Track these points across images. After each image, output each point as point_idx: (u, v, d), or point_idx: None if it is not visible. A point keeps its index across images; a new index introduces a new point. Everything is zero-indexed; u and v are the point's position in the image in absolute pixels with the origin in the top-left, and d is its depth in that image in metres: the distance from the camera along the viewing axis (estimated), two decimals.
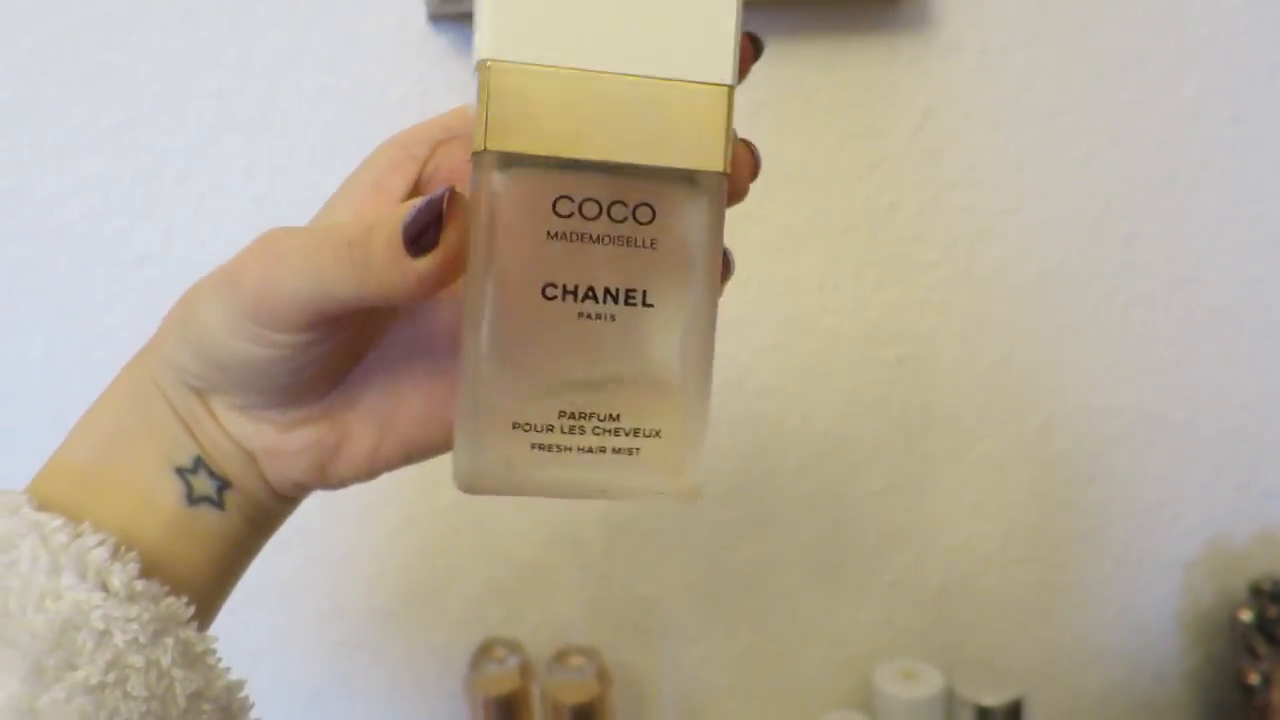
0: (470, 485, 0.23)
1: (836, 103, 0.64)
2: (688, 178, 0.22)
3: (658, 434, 0.23)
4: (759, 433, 0.67)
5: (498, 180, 0.22)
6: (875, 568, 0.71)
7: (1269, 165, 0.72)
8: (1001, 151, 0.67)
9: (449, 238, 0.22)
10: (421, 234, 0.22)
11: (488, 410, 0.23)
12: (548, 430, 0.23)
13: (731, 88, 0.22)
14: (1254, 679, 0.69)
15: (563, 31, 0.21)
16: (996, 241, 0.68)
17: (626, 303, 0.22)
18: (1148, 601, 0.77)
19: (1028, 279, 0.69)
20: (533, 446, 0.23)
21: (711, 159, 0.22)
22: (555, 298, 0.22)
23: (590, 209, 0.22)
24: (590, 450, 0.23)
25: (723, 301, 0.67)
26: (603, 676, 0.59)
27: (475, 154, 0.22)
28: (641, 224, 0.22)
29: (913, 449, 0.70)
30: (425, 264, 0.22)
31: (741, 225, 0.64)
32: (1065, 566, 0.74)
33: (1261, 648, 0.70)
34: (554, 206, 0.22)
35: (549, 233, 0.22)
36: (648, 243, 0.22)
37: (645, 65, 0.21)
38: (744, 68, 0.23)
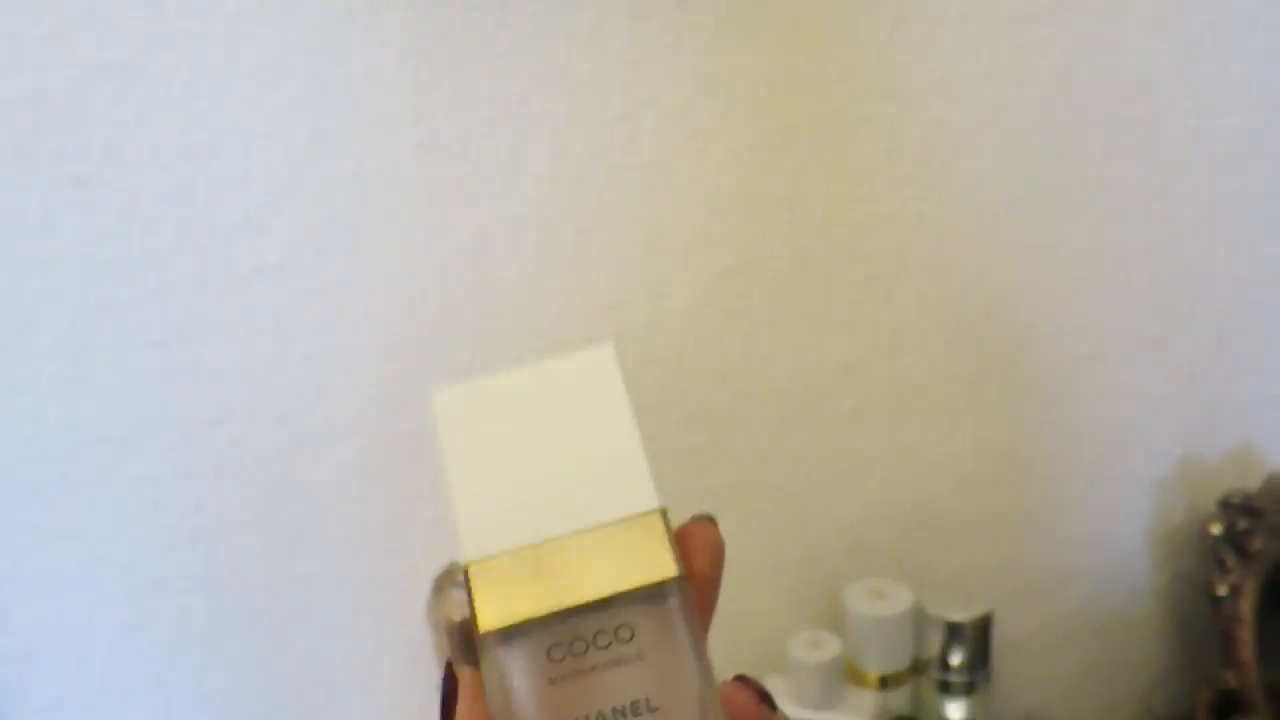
0: None
1: (803, 13, 0.62)
2: (653, 592, 0.26)
3: None
4: (728, 354, 0.65)
5: (501, 653, 0.25)
6: (847, 489, 0.71)
7: (1244, 75, 0.70)
8: (973, 63, 0.65)
9: (465, 704, 0.25)
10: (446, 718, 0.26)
11: None
12: None
13: (662, 510, 0.27)
14: (1222, 591, 0.69)
15: (518, 518, 0.26)
16: (968, 156, 0.67)
17: (634, 715, 0.25)
18: (1119, 519, 0.77)
19: (1000, 194, 0.68)
20: None
21: (664, 569, 0.26)
22: None
23: (579, 647, 0.25)
24: None
25: (688, 217, 0.65)
26: None
27: (479, 638, 0.25)
28: (626, 643, 0.25)
29: (883, 370, 0.69)
30: None
31: (705, 140, 0.63)
32: (1037, 486, 0.74)
33: (1230, 560, 0.70)
34: (549, 655, 0.25)
35: (550, 679, 0.25)
36: (637, 656, 0.25)
37: (587, 520, 0.26)
38: (710, 555, 0.27)
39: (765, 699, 0.27)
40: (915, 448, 0.71)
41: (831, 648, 0.64)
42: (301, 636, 0.63)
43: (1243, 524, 0.71)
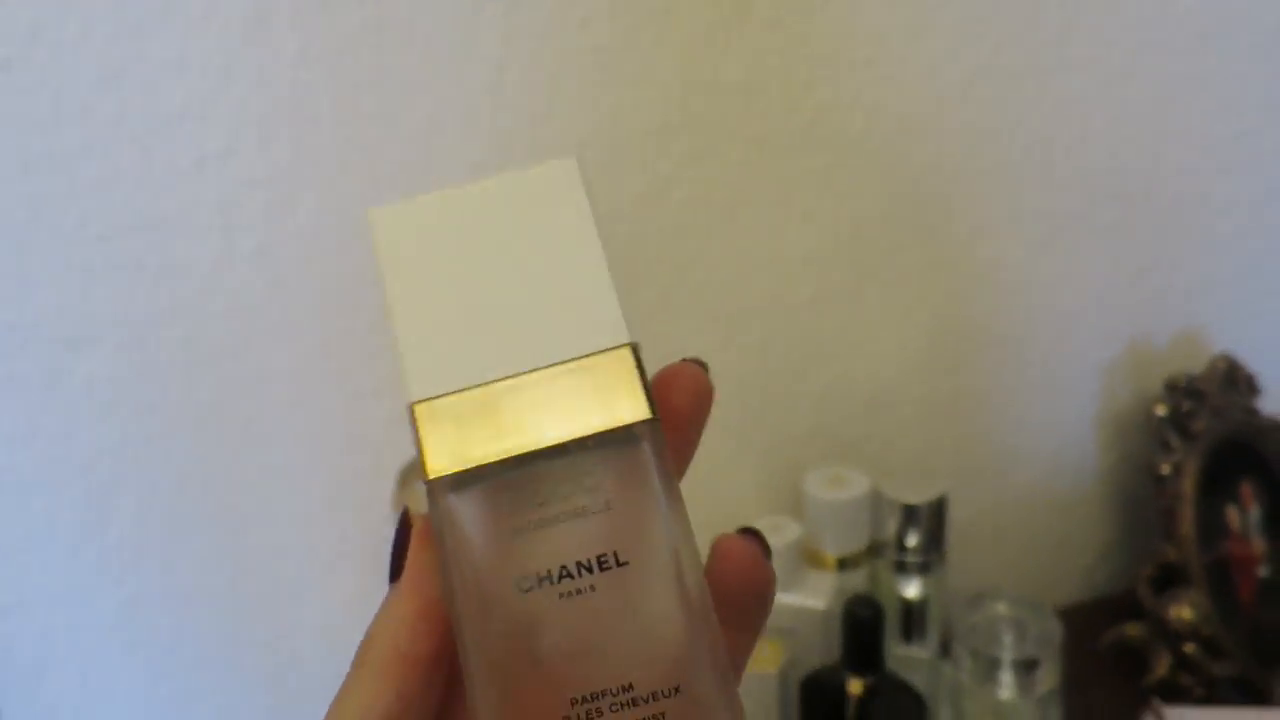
0: None
1: None
2: (622, 436, 0.23)
3: (676, 690, 0.22)
4: (686, 246, 0.65)
5: (452, 501, 0.23)
6: (806, 378, 0.71)
7: None
8: None
9: (414, 554, 0.23)
10: (396, 567, 0.24)
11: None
12: None
13: (632, 344, 0.24)
14: (1165, 470, 0.72)
15: (471, 354, 0.24)
16: (926, 39, 0.66)
17: (601, 569, 0.23)
18: (1068, 403, 0.79)
19: (959, 77, 0.67)
20: None
21: (636, 410, 0.23)
22: (531, 589, 0.23)
23: (539, 496, 0.23)
24: None
25: (644, 104, 0.64)
26: None
27: (426, 486, 0.23)
28: (591, 492, 0.23)
29: (841, 258, 0.69)
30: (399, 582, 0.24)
31: (659, 23, 0.61)
32: (990, 371, 0.76)
33: (1174, 441, 0.72)
34: (506, 505, 0.23)
35: (507, 530, 0.23)
36: (604, 506, 0.23)
37: (548, 356, 0.24)
38: (692, 396, 0.25)
39: (765, 550, 0.25)
40: (872, 335, 0.72)
41: (791, 531, 0.66)
42: (265, 533, 0.63)
43: (1186, 405, 0.73)
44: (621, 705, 0.22)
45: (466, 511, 0.23)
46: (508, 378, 0.24)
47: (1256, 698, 0.68)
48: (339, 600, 0.65)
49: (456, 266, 0.25)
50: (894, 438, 0.75)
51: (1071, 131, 0.70)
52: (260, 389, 0.60)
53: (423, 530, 0.24)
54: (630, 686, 0.22)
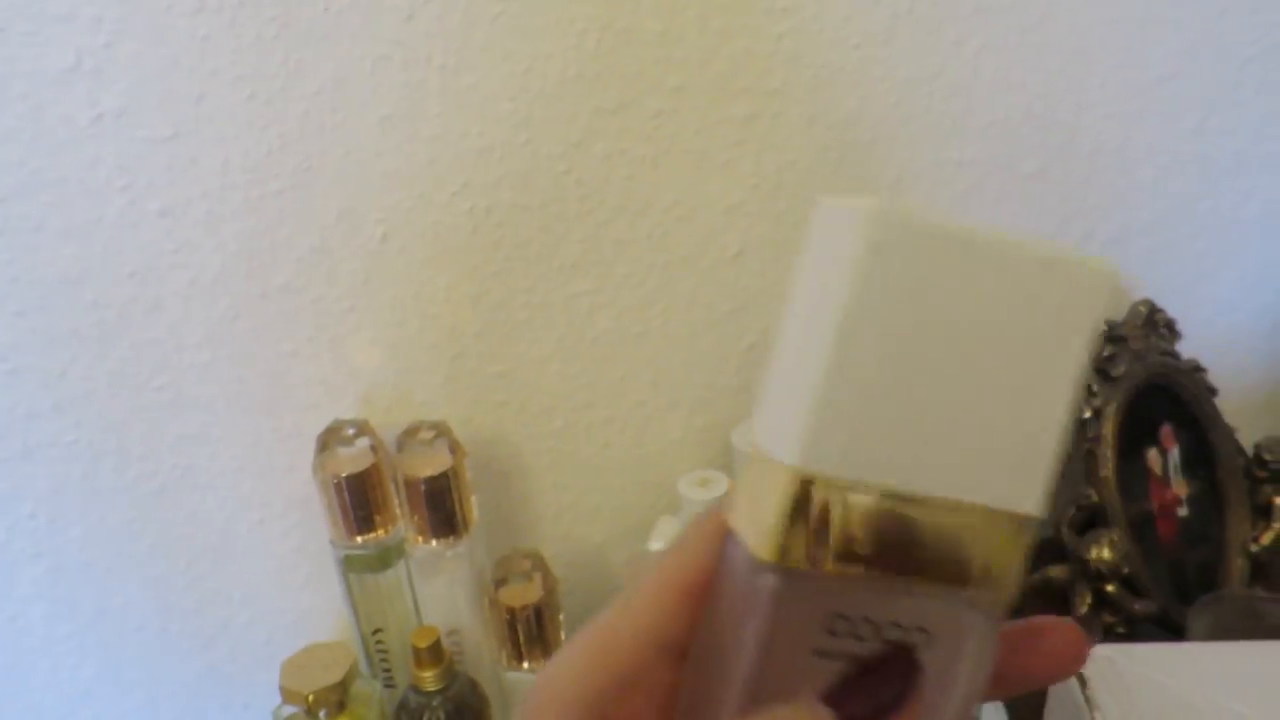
0: None
1: None
2: (970, 603, 0.20)
3: None
4: (608, 199, 0.64)
5: (771, 586, 0.20)
6: (733, 333, 0.71)
7: None
8: None
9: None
10: (860, 693, 0.19)
11: None
12: None
13: (1037, 518, 0.20)
14: (1087, 414, 0.72)
15: (880, 446, 0.19)
16: None
17: None
18: None
19: (878, 26, 0.67)
20: None
21: (998, 589, 0.20)
22: None
23: (865, 629, 0.20)
24: None
25: (559, 54, 0.62)
26: (455, 449, 0.59)
27: (748, 557, 0.20)
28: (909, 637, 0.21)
29: (765, 210, 0.69)
30: None
31: None
32: None
33: (1096, 385, 0.73)
34: (827, 626, 0.20)
35: (816, 651, 0.20)
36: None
37: (951, 488, 0.20)
38: (1068, 656, 0.22)
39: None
40: None
41: (720, 486, 0.66)
42: (185, 500, 0.62)
43: (1108, 350, 0.74)
44: None
45: (785, 612, 0.20)
46: (901, 489, 0.20)
47: (1176, 634, 0.70)
48: (264, 564, 0.65)
49: (925, 329, 0.19)
50: None
51: (991, 80, 0.70)
52: (173, 353, 0.58)
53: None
54: None
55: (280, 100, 0.56)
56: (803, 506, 0.19)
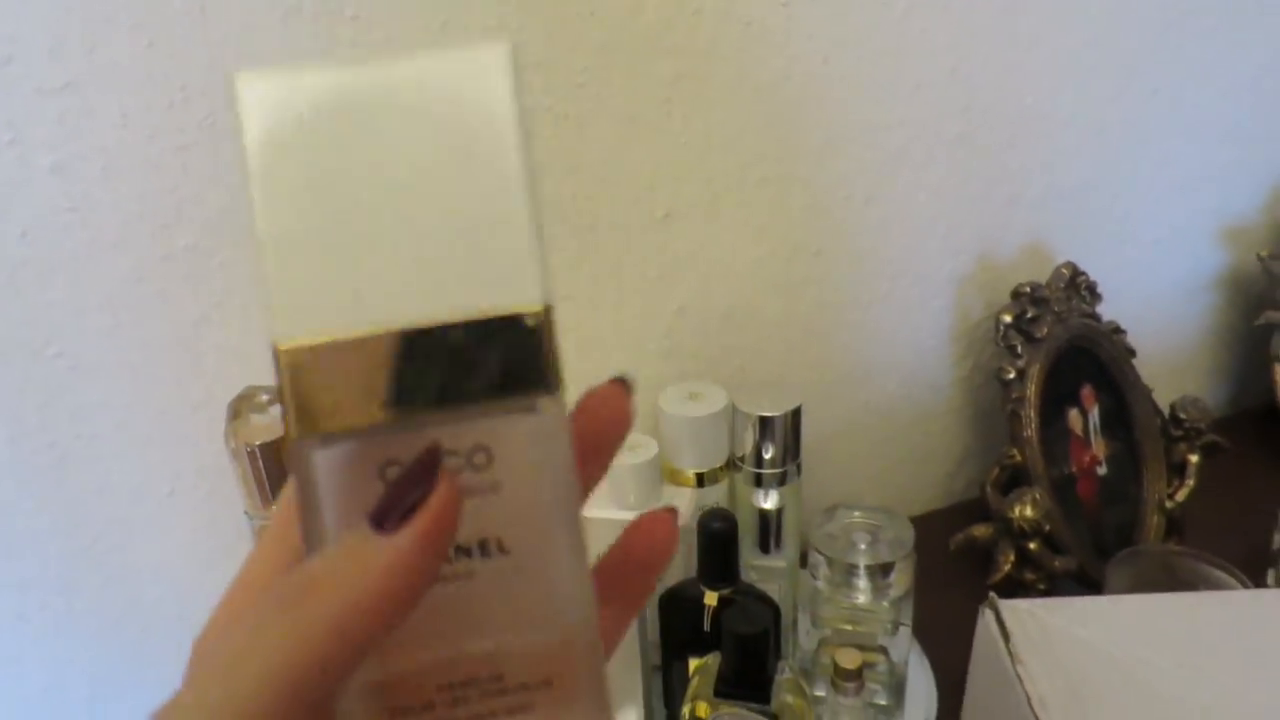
0: None
1: None
2: (521, 409, 0.20)
3: (548, 684, 0.21)
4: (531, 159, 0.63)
5: (318, 464, 0.20)
6: (661, 296, 0.70)
7: None
8: None
9: (440, 493, 0.19)
10: (401, 505, 0.19)
11: (361, 704, 0.21)
12: (428, 709, 0.21)
13: (546, 307, 0.20)
14: (1010, 374, 0.73)
15: (356, 292, 0.20)
16: None
17: (482, 555, 0.21)
18: (922, 315, 0.80)
19: None
20: None
21: (542, 384, 0.20)
22: None
23: None
24: (479, 718, 0.21)
25: (479, 13, 0.61)
26: None
27: (290, 445, 0.20)
28: (480, 469, 0.21)
29: (693, 172, 0.68)
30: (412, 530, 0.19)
31: None
32: (845, 287, 0.76)
33: (1020, 346, 0.74)
34: (383, 475, 0.20)
35: None
36: (491, 486, 0.21)
37: (448, 307, 0.20)
38: (620, 413, 0.23)
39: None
40: (727, 251, 0.71)
41: (649, 450, 0.65)
42: (90, 472, 0.59)
43: (1031, 312, 0.75)
44: (490, 694, 0.21)
45: (337, 475, 0.20)
46: (398, 326, 0.20)
47: (1094, 589, 0.72)
48: (175, 538, 0.62)
49: (349, 172, 0.20)
50: (751, 354, 0.75)
51: (919, 41, 0.70)
52: (73, 318, 0.56)
53: (450, 501, 0.20)
54: (500, 677, 0.21)
55: (182, 50, 0.53)
56: (302, 376, 0.20)
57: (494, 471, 0.21)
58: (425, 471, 0.20)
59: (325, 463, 0.20)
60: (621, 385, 0.23)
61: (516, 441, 0.21)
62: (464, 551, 0.21)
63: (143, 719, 0.18)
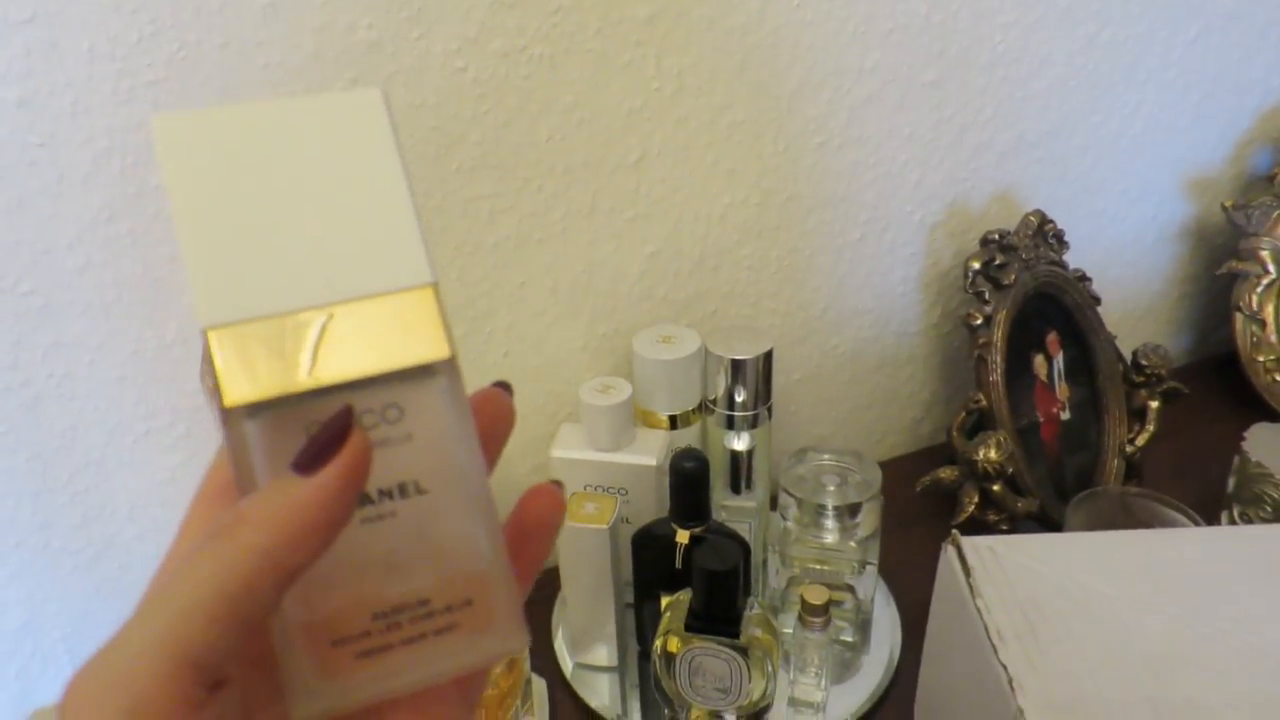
0: (312, 717, 0.24)
1: None
2: (424, 371, 0.24)
3: (469, 603, 0.25)
4: (506, 100, 0.63)
5: (249, 429, 0.23)
6: (634, 240, 0.71)
7: None
8: None
9: (353, 442, 0.22)
10: (320, 453, 0.22)
11: (303, 638, 0.24)
12: (365, 636, 0.24)
13: (433, 284, 0.25)
14: (978, 320, 0.75)
15: (268, 281, 0.23)
16: None
17: (402, 496, 0.24)
18: (893, 262, 0.81)
19: None
20: (357, 656, 0.24)
21: (437, 348, 0.24)
22: None
23: None
24: (411, 640, 0.24)
25: None
26: None
27: (223, 413, 0.23)
28: (393, 423, 0.24)
29: (666, 115, 0.68)
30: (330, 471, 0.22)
31: None
32: (817, 232, 0.77)
33: (988, 292, 0.75)
34: (307, 434, 0.23)
35: None
36: (405, 437, 0.24)
37: (353, 288, 0.24)
38: (504, 410, 0.27)
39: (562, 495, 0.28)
40: (700, 195, 0.71)
41: (622, 392, 0.66)
42: (63, 412, 0.59)
43: (999, 258, 0.76)
44: (418, 618, 0.24)
45: (268, 438, 0.23)
46: (311, 308, 0.24)
47: (1054, 530, 0.74)
48: (152, 477, 0.63)
49: (255, 186, 0.24)
50: (723, 299, 0.76)
51: None
52: (42, 255, 0.55)
53: (362, 451, 0.23)
54: (427, 601, 0.25)
55: None
56: (228, 352, 0.23)
57: (405, 424, 0.24)
58: (340, 424, 0.23)
59: (255, 428, 0.23)
60: (503, 389, 0.27)
61: (421, 398, 0.24)
62: (386, 494, 0.24)
63: None
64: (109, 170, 0.54)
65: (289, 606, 0.24)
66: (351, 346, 0.24)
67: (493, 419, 0.27)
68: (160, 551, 0.62)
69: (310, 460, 0.22)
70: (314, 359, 0.24)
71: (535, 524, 0.27)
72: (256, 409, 0.23)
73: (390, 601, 0.24)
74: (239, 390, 0.23)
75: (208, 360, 0.23)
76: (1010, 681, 0.45)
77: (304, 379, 0.23)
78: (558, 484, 0.28)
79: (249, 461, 0.23)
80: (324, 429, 0.23)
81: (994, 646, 0.47)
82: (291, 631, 0.24)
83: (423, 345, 0.24)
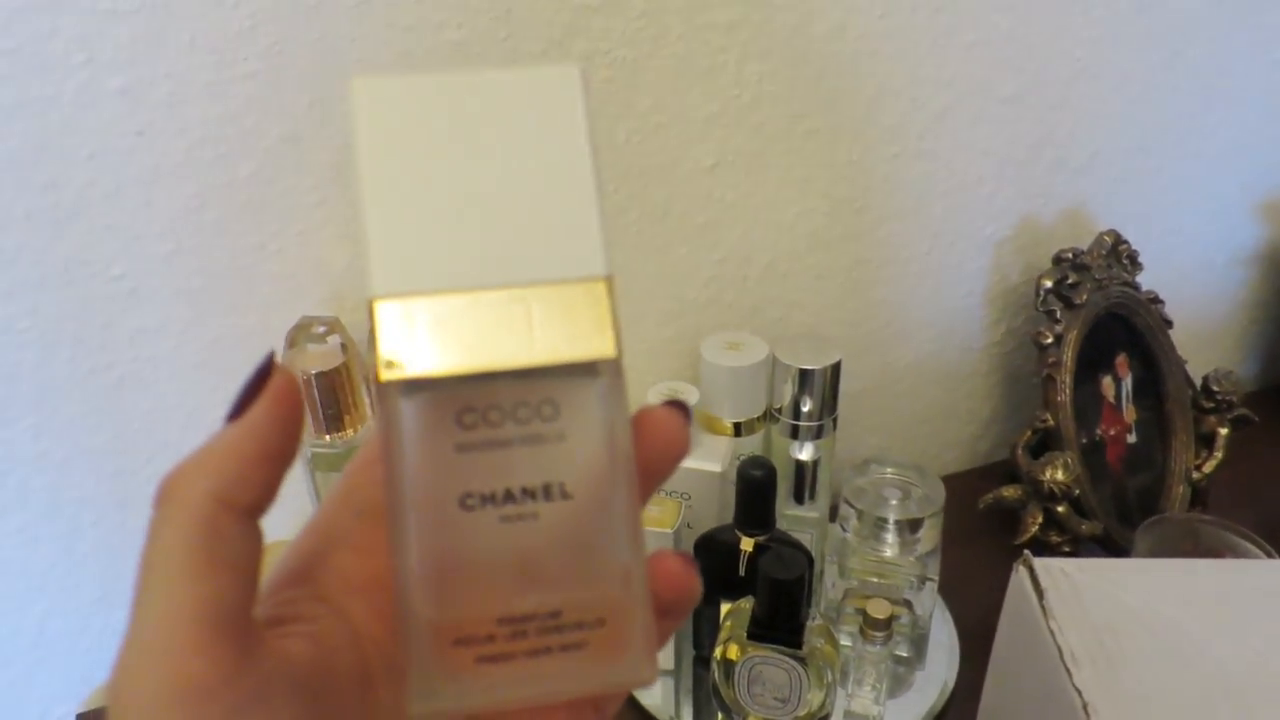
0: (426, 715, 0.23)
1: None
2: (585, 369, 0.23)
3: (601, 623, 0.23)
4: (595, 152, 0.63)
5: (404, 406, 0.22)
6: (705, 245, 0.71)
7: None
8: None
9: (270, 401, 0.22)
10: (246, 398, 0.23)
11: (428, 634, 0.23)
12: (489, 640, 0.23)
13: (607, 278, 0.23)
14: (1048, 339, 0.74)
15: (446, 256, 0.23)
16: None
17: (546, 498, 0.23)
18: (960, 277, 0.80)
19: None
20: (478, 660, 0.23)
21: (603, 346, 0.23)
22: (474, 507, 0.23)
23: (495, 416, 0.23)
24: (536, 653, 0.23)
25: None
26: None
27: (377, 387, 0.22)
28: (547, 420, 0.23)
29: (744, 121, 0.68)
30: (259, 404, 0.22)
31: None
32: (886, 243, 0.76)
33: (1059, 311, 0.75)
34: (459, 420, 0.22)
35: (456, 445, 0.22)
36: (557, 436, 0.23)
37: (523, 274, 0.23)
38: (676, 438, 0.24)
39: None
40: (772, 202, 0.71)
41: (688, 397, 0.66)
42: (142, 395, 0.60)
43: (1072, 277, 0.75)
44: (547, 630, 0.23)
45: (419, 419, 0.22)
46: (481, 289, 0.23)
47: (1117, 554, 0.73)
48: None
49: (442, 159, 0.23)
50: (791, 307, 0.76)
51: (975, 0, 0.70)
52: (133, 241, 0.56)
53: (285, 384, 0.23)
54: (558, 613, 0.23)
55: None
56: (394, 326, 0.22)
57: (559, 423, 0.23)
58: (261, 369, 0.23)
59: (410, 407, 0.22)
60: (680, 409, 0.25)
61: (579, 397, 0.23)
62: (529, 493, 0.23)
63: None
64: (201, 159, 0.56)
65: (417, 601, 0.23)
66: (516, 333, 0.23)
67: (665, 443, 0.25)
68: None
69: (238, 408, 0.23)
70: (477, 342, 0.23)
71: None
72: (412, 387, 0.22)
73: (520, 608, 0.23)
74: (397, 366, 0.22)
75: (370, 333, 0.23)
76: (1085, 707, 0.45)
77: (463, 362, 0.22)
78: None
79: (399, 440, 0.22)
80: (249, 378, 0.23)
81: (1068, 671, 0.47)
82: (417, 627, 0.23)
83: (588, 341, 0.23)
